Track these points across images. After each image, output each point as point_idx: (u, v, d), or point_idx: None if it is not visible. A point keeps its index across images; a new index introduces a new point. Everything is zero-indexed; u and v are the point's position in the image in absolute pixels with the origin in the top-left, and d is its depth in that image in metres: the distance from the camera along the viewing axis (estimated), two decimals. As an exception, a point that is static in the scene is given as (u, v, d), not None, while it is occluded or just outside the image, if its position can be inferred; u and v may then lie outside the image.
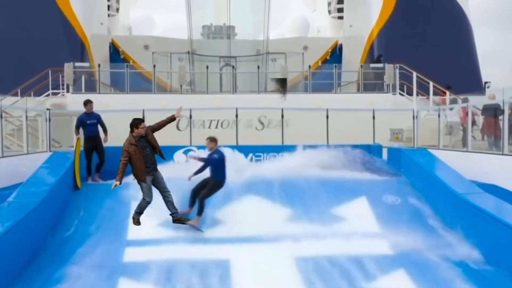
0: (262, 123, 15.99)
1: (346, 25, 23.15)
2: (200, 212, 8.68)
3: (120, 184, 7.91)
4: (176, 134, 14.63)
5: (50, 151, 12.29)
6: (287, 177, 10.38)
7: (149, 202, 8.09)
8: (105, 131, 11.36)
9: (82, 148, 11.09)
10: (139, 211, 8.11)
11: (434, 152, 11.66)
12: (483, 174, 10.42)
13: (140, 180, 8.06)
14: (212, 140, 8.97)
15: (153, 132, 8.41)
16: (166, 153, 9.01)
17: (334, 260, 7.64)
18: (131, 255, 7.92)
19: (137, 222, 8.12)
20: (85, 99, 11.49)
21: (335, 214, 9.29)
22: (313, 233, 8.39)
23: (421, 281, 7.12)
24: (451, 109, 13.85)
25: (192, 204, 8.93)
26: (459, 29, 21.67)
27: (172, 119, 8.61)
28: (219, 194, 9.07)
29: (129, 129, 8.22)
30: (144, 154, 8.05)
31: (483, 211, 7.92)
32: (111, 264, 7.52)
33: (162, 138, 12.54)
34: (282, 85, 17.36)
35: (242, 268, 7.46)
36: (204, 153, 9.35)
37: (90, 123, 11.17)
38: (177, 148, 12.45)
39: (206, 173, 8.96)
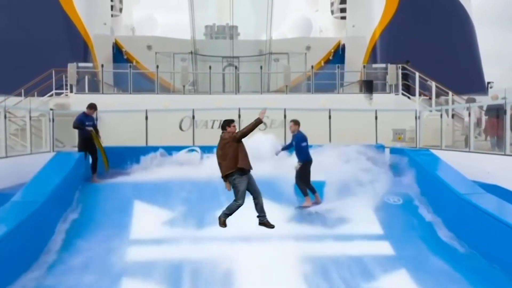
0: (264, 123, 15.98)
1: (349, 25, 23.11)
2: (307, 192, 9.64)
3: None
4: (179, 134, 14.70)
5: (53, 151, 12.35)
6: (290, 176, 10.39)
7: (240, 205, 7.62)
8: (97, 133, 11.41)
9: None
10: (229, 212, 7.64)
11: (436, 152, 11.67)
12: (485, 175, 10.42)
13: (233, 177, 7.54)
14: (296, 123, 10.02)
15: (241, 138, 7.76)
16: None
17: (336, 260, 7.67)
18: (134, 254, 7.96)
19: (223, 223, 7.64)
20: (92, 102, 11.53)
21: (337, 215, 9.31)
22: (316, 233, 8.43)
23: (422, 282, 7.14)
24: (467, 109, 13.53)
25: (304, 192, 9.66)
26: (461, 29, 21.63)
27: (258, 122, 7.98)
28: (222, 195, 9.11)
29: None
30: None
31: (485, 211, 7.92)
32: (114, 264, 7.56)
33: (165, 138, 12.67)
34: (369, 87, 17.39)
35: (245, 267, 7.49)
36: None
37: (88, 125, 11.24)
38: (180, 148, 12.48)
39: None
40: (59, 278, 7.08)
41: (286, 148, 10.24)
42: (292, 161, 10.28)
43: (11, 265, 6.79)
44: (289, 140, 13.45)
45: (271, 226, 7.75)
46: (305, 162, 9.74)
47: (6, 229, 6.77)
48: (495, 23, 42.34)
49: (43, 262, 7.48)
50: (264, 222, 7.76)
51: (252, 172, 7.92)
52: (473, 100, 14.67)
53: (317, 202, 9.71)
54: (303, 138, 9.87)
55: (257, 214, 7.77)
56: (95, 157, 11.27)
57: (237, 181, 7.41)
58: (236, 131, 7.76)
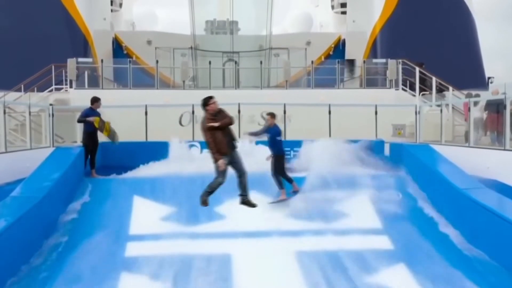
0: (264, 119, 16.00)
1: (349, 20, 23.06)
2: (283, 185, 9.78)
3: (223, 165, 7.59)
4: (179, 130, 14.69)
5: (53, 146, 12.35)
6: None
7: (222, 183, 7.68)
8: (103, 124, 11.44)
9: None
10: (210, 190, 7.69)
11: (436, 147, 11.65)
12: (485, 170, 10.41)
13: (220, 155, 7.55)
14: (272, 116, 10.10)
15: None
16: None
17: (335, 255, 7.67)
18: (133, 249, 7.97)
19: (204, 202, 7.71)
20: (95, 96, 11.55)
21: (336, 209, 9.32)
22: (314, 228, 8.43)
23: (421, 276, 7.14)
24: (475, 104, 13.46)
25: (280, 185, 9.81)
26: (462, 25, 21.57)
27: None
28: (220, 189, 9.11)
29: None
30: (223, 132, 7.65)
31: (484, 206, 7.92)
32: (113, 259, 7.57)
33: (164, 133, 12.66)
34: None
35: (243, 262, 7.50)
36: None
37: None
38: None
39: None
40: (58, 273, 7.09)
41: (255, 134, 10.03)
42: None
43: (10, 260, 6.80)
44: (289, 135, 13.51)
45: (252, 205, 7.86)
46: (278, 155, 9.92)
47: (5, 224, 6.77)
48: (497, 18, 42.21)
49: (42, 257, 7.49)
50: (245, 201, 7.90)
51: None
52: (472, 95, 14.64)
53: (295, 191, 9.85)
54: (279, 132, 10.08)
55: (239, 192, 7.87)
56: (95, 153, 11.28)
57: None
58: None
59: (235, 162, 7.70)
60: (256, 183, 9.94)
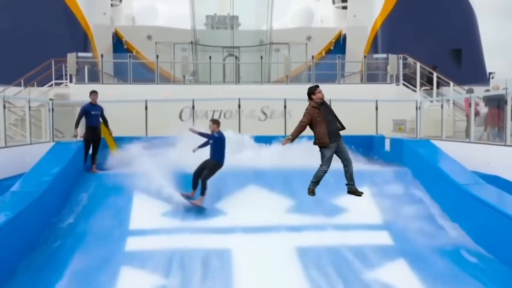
0: (265, 114, 16.00)
1: (350, 15, 23.00)
2: (203, 192, 9.20)
3: (291, 141, 7.36)
4: (179, 125, 14.67)
5: (53, 141, 12.34)
6: (288, 167, 10.39)
7: (326, 171, 7.47)
8: (106, 122, 11.39)
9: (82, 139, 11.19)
10: (316, 180, 7.51)
11: (436, 143, 11.63)
12: (485, 165, 10.41)
13: (322, 145, 7.41)
14: (215, 122, 9.60)
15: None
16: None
17: (335, 250, 7.67)
18: (133, 244, 7.97)
19: (312, 192, 7.52)
20: (92, 89, 11.52)
21: (336, 205, 9.31)
22: (314, 223, 8.43)
23: (421, 271, 7.15)
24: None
25: (195, 186, 9.38)
26: (463, 20, 21.50)
27: None
28: (220, 185, 9.12)
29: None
30: (328, 120, 7.47)
31: (484, 202, 7.91)
32: (114, 253, 7.57)
33: (165, 128, 12.63)
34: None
35: (243, 258, 7.50)
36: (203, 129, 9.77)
37: (94, 114, 11.20)
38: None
39: (206, 155, 9.39)
40: (58, 268, 7.09)
41: (203, 146, 9.62)
42: (293, 151, 10.28)
43: (9, 255, 6.80)
44: (289, 131, 13.48)
45: (359, 194, 7.60)
46: (219, 162, 9.39)
47: (5, 219, 6.76)
48: (498, 13, 42.08)
49: (41, 252, 7.49)
50: (352, 190, 7.62)
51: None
52: (473, 91, 14.61)
53: (192, 195, 9.41)
54: (222, 139, 9.48)
55: (346, 182, 7.62)
56: (97, 147, 11.26)
57: (323, 148, 7.38)
58: None
59: (341, 151, 7.51)
60: (258, 178, 9.99)
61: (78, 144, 11.08)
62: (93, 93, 11.29)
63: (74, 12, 20.00)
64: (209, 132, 9.56)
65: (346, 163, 7.53)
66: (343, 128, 7.66)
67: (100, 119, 11.32)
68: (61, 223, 8.53)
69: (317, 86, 7.55)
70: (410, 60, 18.04)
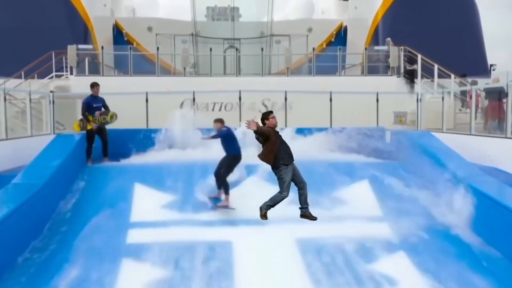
0: (265, 106, 15.96)
1: (351, 7, 22.86)
2: (226, 191, 9.10)
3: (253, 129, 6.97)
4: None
5: (54, 133, 12.35)
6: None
7: (285, 197, 7.36)
8: (108, 113, 11.41)
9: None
10: (272, 204, 7.38)
11: (437, 135, 11.64)
12: (485, 157, 10.41)
13: (278, 168, 7.26)
14: (218, 121, 9.51)
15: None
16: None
17: (335, 243, 7.70)
18: (134, 236, 8.01)
19: (264, 216, 7.37)
20: (92, 81, 11.52)
21: (337, 197, 9.35)
22: (314, 215, 8.42)
23: (420, 264, 7.18)
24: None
25: (219, 186, 9.26)
26: (464, 12, 21.39)
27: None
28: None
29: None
30: (282, 141, 7.34)
31: (485, 194, 7.93)
32: (114, 246, 7.61)
33: (165, 120, 12.64)
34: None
35: (244, 250, 7.54)
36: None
37: (96, 107, 11.21)
38: None
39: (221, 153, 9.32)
40: (59, 260, 7.13)
41: (212, 137, 9.65)
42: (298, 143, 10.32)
43: (11, 247, 6.83)
44: (290, 123, 13.50)
45: (313, 218, 7.47)
46: (236, 155, 9.29)
47: (6, 211, 6.79)
48: (500, 6, 41.82)
49: (43, 244, 7.53)
50: (305, 214, 7.51)
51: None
52: (476, 83, 14.58)
53: (219, 195, 9.28)
54: (231, 131, 9.46)
55: (299, 206, 7.53)
56: (105, 139, 11.28)
57: (283, 172, 7.18)
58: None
59: (295, 174, 7.40)
60: (256, 170, 10.01)
61: (79, 137, 11.09)
62: (95, 85, 11.29)
63: (74, 4, 19.90)
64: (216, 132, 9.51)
65: (302, 186, 7.41)
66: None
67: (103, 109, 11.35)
68: (62, 215, 8.57)
69: (271, 112, 7.44)
70: (389, 40, 18.13)
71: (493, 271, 6.95)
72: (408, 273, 7.05)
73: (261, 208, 7.31)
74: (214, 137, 9.57)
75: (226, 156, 9.28)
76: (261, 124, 7.14)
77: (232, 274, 7.00)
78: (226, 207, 9.04)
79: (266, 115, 7.33)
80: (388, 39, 18.86)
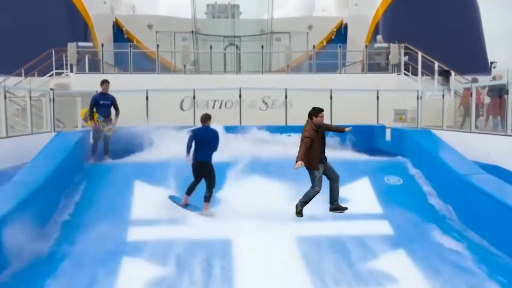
0: (265, 104, 15.98)
1: (352, 4, 22.86)
2: (205, 198, 8.75)
3: (301, 166, 7.64)
4: (180, 115, 14.69)
5: (54, 131, 12.37)
6: (290, 157, 10.38)
7: (318, 192, 7.78)
8: (117, 113, 11.37)
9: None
10: (306, 200, 7.72)
11: (437, 132, 11.64)
12: (486, 155, 10.41)
13: (313, 168, 7.82)
14: (205, 117, 8.85)
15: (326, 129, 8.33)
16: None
17: (335, 240, 7.69)
18: (134, 234, 8.00)
19: (299, 213, 7.75)
20: (103, 79, 11.51)
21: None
22: (315, 213, 8.44)
23: (421, 261, 7.17)
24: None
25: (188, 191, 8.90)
26: (465, 9, 21.37)
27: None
28: (221, 176, 9.12)
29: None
30: (322, 143, 7.89)
31: (485, 192, 7.93)
32: (114, 243, 7.60)
33: (166, 118, 12.65)
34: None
35: (244, 247, 7.52)
36: None
37: (103, 104, 11.19)
38: (180, 128, 12.47)
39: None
40: (60, 257, 7.13)
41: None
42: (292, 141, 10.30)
43: (11, 245, 6.82)
44: (290, 120, 13.52)
45: (344, 209, 8.01)
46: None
47: (7, 209, 6.79)
48: (501, 3, 41.73)
49: (44, 242, 7.52)
50: (337, 207, 8.05)
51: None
52: (477, 81, 14.56)
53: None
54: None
55: (331, 199, 7.96)
56: (108, 139, 11.29)
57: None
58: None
59: (327, 168, 7.91)
60: (258, 166, 10.01)
61: (80, 135, 11.09)
62: (105, 82, 11.28)
63: (74, 1, 19.91)
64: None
65: (336, 179, 7.91)
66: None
67: (112, 109, 11.31)
68: (62, 213, 8.56)
69: (322, 110, 7.95)
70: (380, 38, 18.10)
71: (494, 269, 6.94)
72: (409, 271, 7.04)
73: (296, 206, 7.83)
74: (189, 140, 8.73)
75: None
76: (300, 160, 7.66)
77: (232, 272, 6.99)
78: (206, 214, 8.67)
79: (316, 113, 7.84)
80: (379, 36, 18.91)
